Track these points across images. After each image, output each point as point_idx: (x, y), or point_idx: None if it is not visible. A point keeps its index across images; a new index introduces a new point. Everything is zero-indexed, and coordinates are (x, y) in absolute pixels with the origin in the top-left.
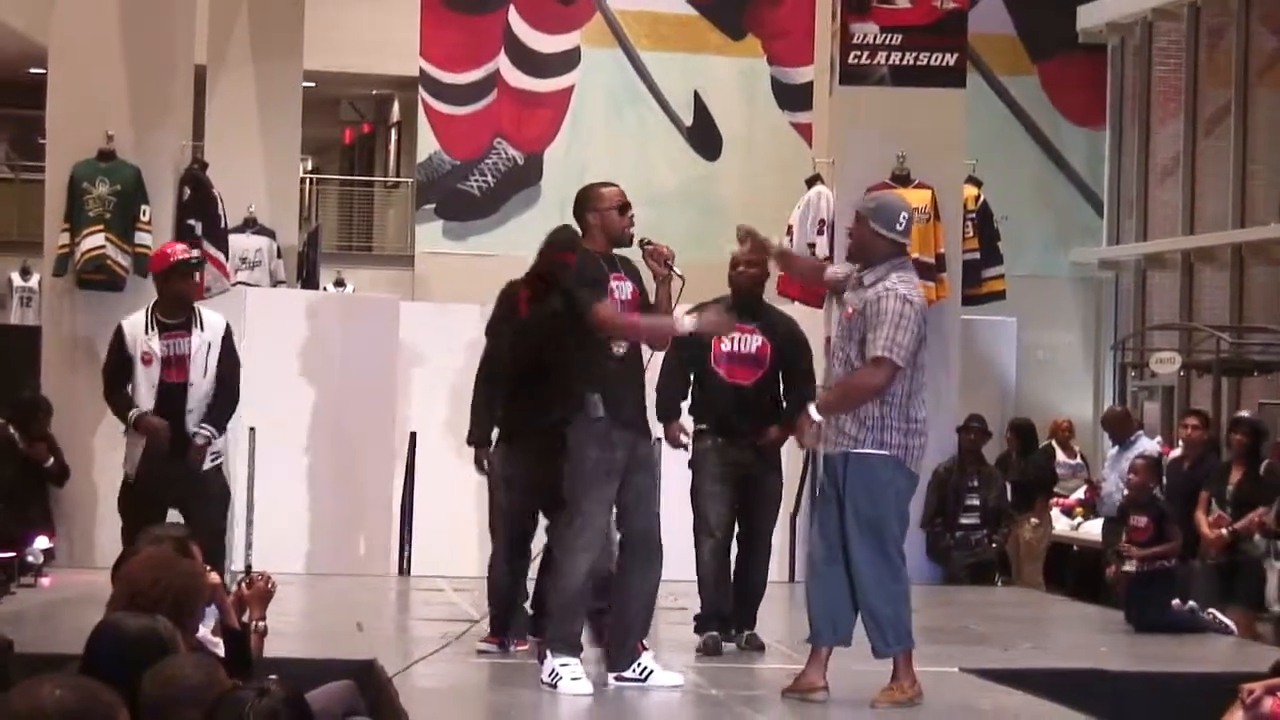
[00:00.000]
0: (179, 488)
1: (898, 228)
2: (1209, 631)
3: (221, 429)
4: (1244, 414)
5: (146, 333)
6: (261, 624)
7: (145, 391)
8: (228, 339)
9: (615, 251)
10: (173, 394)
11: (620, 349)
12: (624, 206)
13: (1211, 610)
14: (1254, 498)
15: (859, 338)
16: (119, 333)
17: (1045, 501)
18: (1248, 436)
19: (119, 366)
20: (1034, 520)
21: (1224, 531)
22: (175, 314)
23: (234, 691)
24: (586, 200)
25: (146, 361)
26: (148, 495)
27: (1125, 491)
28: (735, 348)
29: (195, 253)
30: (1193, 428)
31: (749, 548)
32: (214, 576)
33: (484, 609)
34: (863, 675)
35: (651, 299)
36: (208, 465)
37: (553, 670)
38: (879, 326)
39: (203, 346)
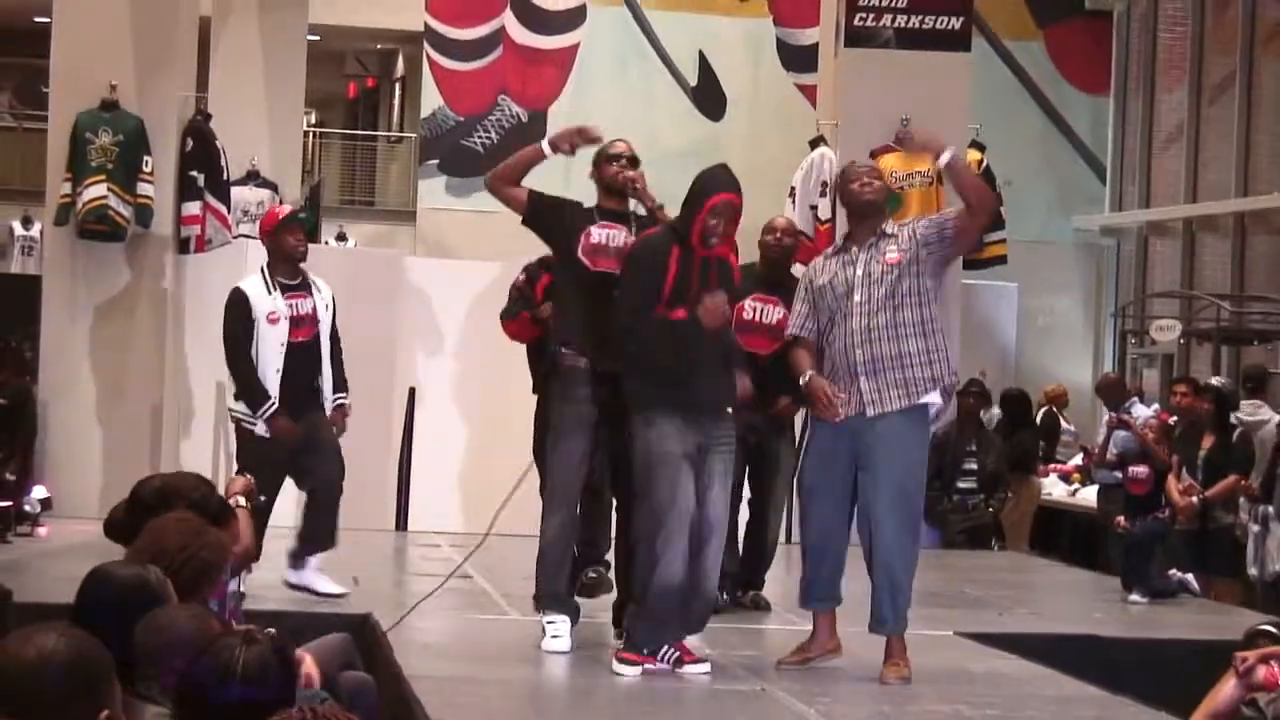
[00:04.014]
0: (305, 445)
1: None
2: (1183, 593)
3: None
4: (1213, 380)
5: (269, 294)
6: (239, 500)
7: (273, 350)
8: (334, 303)
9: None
10: (299, 352)
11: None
12: (612, 157)
13: (1175, 571)
14: (1226, 464)
15: (917, 270)
16: (240, 297)
17: (1023, 479)
18: (1214, 403)
19: (245, 331)
20: (1009, 494)
21: (1194, 500)
22: (291, 274)
23: (220, 639)
24: (596, 157)
25: (273, 321)
26: (280, 450)
27: (1119, 450)
28: (755, 317)
29: (300, 209)
30: (1182, 394)
31: (759, 512)
32: None
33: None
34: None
35: None
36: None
37: (542, 627)
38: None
39: (322, 306)
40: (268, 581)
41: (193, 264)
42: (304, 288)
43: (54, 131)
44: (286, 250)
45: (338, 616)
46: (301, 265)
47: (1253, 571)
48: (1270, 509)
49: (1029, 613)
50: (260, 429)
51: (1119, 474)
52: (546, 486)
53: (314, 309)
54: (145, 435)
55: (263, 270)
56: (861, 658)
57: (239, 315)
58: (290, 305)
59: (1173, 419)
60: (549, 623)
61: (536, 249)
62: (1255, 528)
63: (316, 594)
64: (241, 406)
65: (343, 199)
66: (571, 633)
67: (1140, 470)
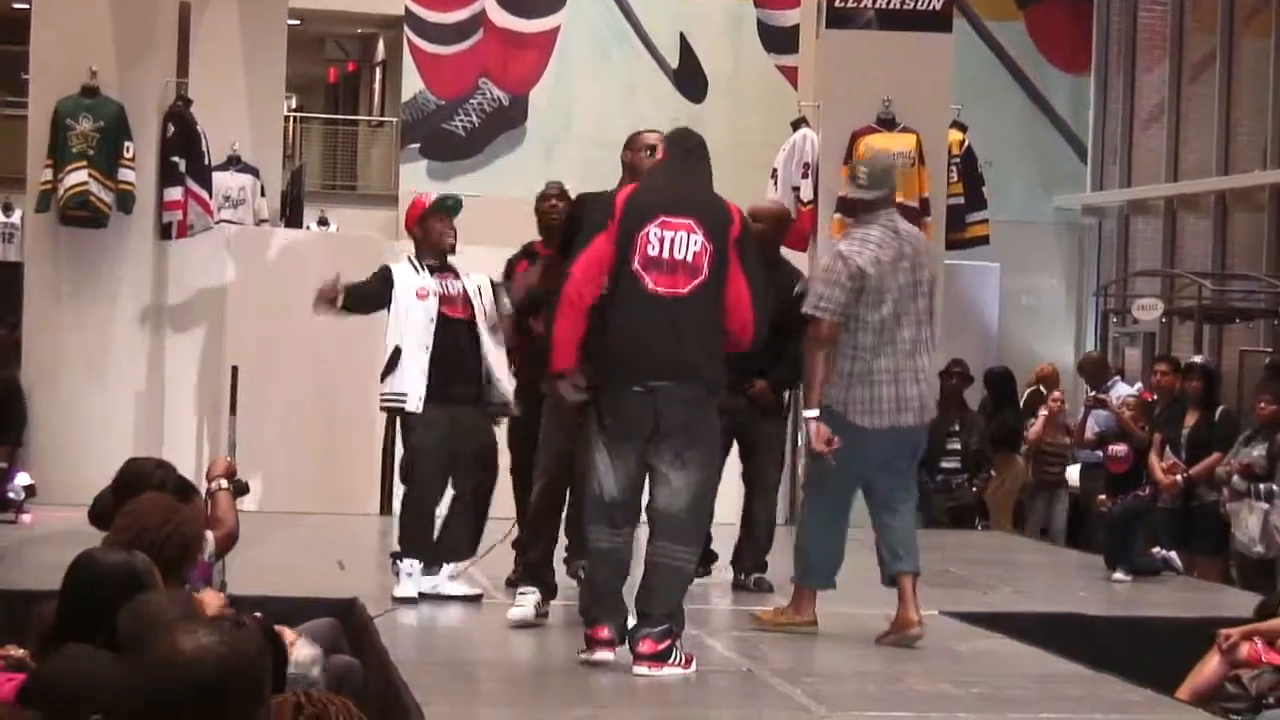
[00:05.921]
0: (456, 444)
1: (858, 181)
2: (1166, 571)
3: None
4: (1196, 359)
5: (418, 273)
6: (221, 482)
7: (422, 325)
8: (493, 290)
9: None
10: (456, 330)
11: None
12: (651, 149)
13: (1158, 549)
14: (1209, 442)
15: None
16: (385, 269)
17: (1007, 458)
18: (1201, 381)
19: (371, 293)
20: (993, 473)
21: (1178, 478)
22: (440, 261)
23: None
24: (629, 141)
25: (421, 296)
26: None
27: (1099, 429)
28: None
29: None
30: (1162, 373)
31: (754, 493)
32: None
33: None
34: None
35: None
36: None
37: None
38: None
39: (474, 289)
40: (254, 565)
41: (175, 249)
42: (453, 272)
43: (34, 118)
44: (434, 239)
45: (325, 601)
46: (450, 258)
47: (1260, 549)
48: (1274, 486)
49: (1013, 591)
50: (411, 404)
51: (1099, 453)
52: (538, 461)
53: (464, 290)
54: (129, 421)
55: (409, 258)
56: (849, 639)
57: (376, 277)
58: (440, 283)
59: (1153, 397)
60: (520, 593)
61: (521, 236)
62: (1262, 505)
63: (447, 597)
64: (390, 388)
65: (324, 183)
66: (537, 605)
67: (1119, 449)
